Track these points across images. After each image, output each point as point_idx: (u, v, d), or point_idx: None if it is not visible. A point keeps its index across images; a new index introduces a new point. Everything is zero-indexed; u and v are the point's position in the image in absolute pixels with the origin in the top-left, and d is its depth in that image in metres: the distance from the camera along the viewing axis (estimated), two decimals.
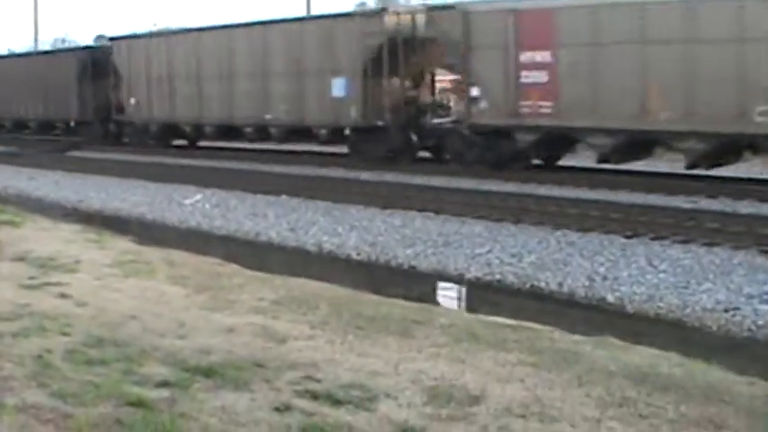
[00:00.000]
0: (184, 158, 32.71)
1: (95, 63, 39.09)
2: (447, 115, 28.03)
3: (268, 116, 30.94)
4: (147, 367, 7.12)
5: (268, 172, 27.39)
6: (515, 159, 24.32)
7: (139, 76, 36.30)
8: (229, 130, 33.12)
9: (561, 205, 18.91)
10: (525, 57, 23.55)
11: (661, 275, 13.66)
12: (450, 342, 8.51)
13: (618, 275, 13.95)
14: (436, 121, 27.67)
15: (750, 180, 21.66)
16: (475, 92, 24.68)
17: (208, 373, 6.96)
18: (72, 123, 40.87)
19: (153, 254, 14.71)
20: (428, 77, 29.03)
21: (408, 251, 16.80)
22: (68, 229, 17.58)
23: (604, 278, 13.98)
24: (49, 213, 22.13)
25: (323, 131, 29.37)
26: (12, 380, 6.57)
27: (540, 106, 23.35)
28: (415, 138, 27.80)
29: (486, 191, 21.56)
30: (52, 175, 30.84)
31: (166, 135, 36.66)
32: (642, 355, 8.66)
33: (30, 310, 9.10)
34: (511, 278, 14.81)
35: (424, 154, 28.18)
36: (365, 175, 25.46)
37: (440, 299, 14.70)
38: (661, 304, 12.77)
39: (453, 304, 14.48)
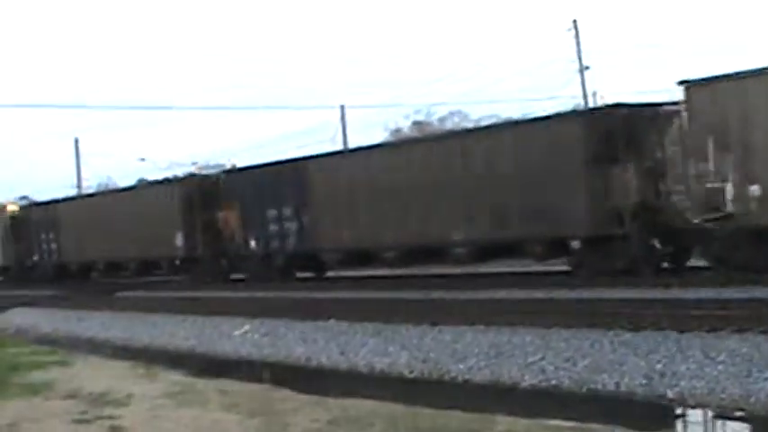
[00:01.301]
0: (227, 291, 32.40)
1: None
2: None
3: None
4: None
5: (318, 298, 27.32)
6: None
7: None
8: None
9: (613, 306, 18.65)
10: None
11: (720, 367, 13.33)
12: None
13: (676, 370, 13.64)
14: None
15: None
16: None
17: None
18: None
19: (204, 384, 14.70)
20: None
21: (461, 365, 16.56)
22: (119, 366, 17.66)
23: (662, 375, 13.67)
24: (100, 352, 22.22)
25: None
26: None
27: None
28: None
29: (535, 299, 21.32)
30: (100, 315, 30.99)
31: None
32: None
33: None
34: (567, 383, 14.53)
35: None
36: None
37: None
38: (723, 396, 12.43)
39: None
